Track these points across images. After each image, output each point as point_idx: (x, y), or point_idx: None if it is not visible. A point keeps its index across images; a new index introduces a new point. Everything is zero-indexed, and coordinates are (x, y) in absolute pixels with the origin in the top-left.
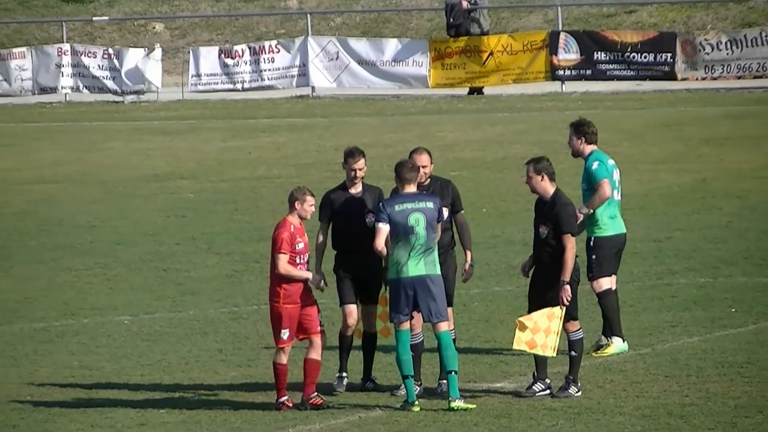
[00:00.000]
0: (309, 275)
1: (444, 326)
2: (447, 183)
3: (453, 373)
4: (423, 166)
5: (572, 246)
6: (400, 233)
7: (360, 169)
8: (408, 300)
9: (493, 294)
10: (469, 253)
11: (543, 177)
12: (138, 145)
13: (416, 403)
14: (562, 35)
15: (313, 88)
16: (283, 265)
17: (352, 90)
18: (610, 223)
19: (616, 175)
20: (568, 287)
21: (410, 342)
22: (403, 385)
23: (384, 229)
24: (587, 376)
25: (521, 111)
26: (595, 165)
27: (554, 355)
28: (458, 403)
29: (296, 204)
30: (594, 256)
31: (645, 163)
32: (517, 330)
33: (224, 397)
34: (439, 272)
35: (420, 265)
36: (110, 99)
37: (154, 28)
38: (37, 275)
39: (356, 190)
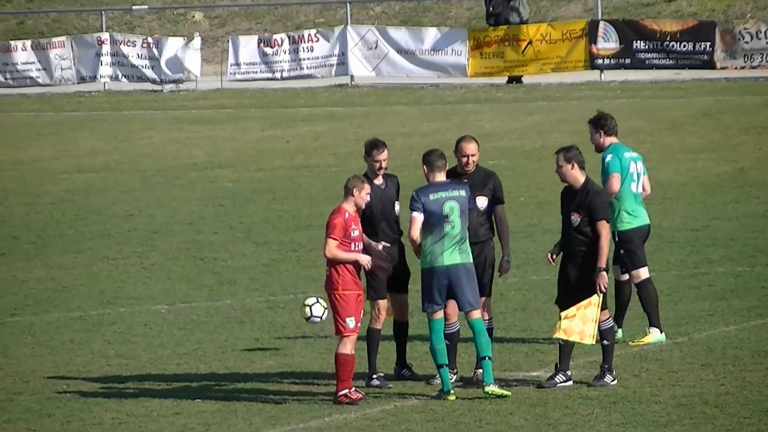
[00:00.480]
0: (359, 257)
1: (477, 314)
2: (491, 174)
3: (487, 359)
4: (471, 155)
5: (607, 233)
6: (435, 222)
7: (384, 160)
8: (442, 289)
9: (530, 283)
10: (505, 248)
11: (573, 165)
12: (176, 134)
13: (452, 392)
14: (602, 24)
15: (351, 77)
16: (331, 248)
17: (390, 79)
18: (631, 217)
19: (635, 168)
20: (605, 274)
21: (446, 331)
22: (438, 375)
23: (419, 218)
24: (623, 365)
25: (560, 100)
26: (608, 158)
27: (593, 342)
28: (492, 388)
29: (354, 191)
30: (622, 251)
31: (683, 152)
32: (558, 320)
33: (260, 386)
34: (471, 260)
35: (455, 254)
36: (149, 88)
37: (193, 17)
38: (74, 264)
39: (379, 181)
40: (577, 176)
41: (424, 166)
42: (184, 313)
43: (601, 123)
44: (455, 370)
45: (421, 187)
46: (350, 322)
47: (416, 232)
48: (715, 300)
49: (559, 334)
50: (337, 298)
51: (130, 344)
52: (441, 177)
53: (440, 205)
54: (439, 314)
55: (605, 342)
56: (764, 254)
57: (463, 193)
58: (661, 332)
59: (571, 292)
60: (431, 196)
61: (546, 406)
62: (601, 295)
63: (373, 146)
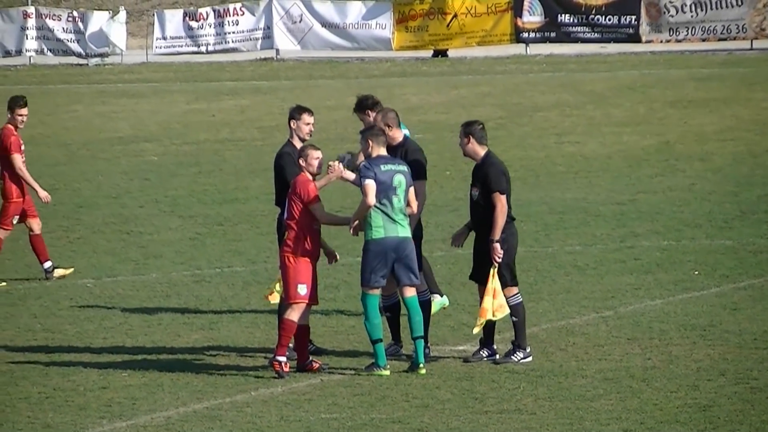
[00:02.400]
0: (350, 219)
1: (413, 291)
2: (414, 150)
3: (420, 338)
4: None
5: (502, 204)
6: (384, 194)
7: (313, 125)
8: (387, 262)
9: (456, 257)
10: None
11: (470, 140)
12: (102, 108)
13: (387, 366)
14: None
15: (277, 50)
16: (324, 214)
17: (316, 53)
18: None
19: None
20: (497, 245)
21: (385, 303)
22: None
23: (373, 185)
24: (549, 339)
25: (485, 74)
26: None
27: (494, 317)
28: (426, 371)
29: (301, 160)
30: None
31: (609, 126)
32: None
33: (186, 360)
34: (411, 236)
35: (403, 227)
36: (74, 62)
37: None
38: None
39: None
40: (476, 150)
41: (369, 141)
42: (110, 287)
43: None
44: (400, 344)
45: (370, 158)
46: (301, 289)
47: (373, 198)
48: (641, 274)
49: (478, 325)
50: (291, 261)
51: (56, 318)
52: (383, 152)
53: (390, 176)
54: (378, 290)
55: (514, 318)
56: (690, 228)
57: (406, 168)
58: (442, 296)
59: (480, 266)
60: (382, 167)
61: (472, 380)
62: (496, 267)
63: (303, 109)
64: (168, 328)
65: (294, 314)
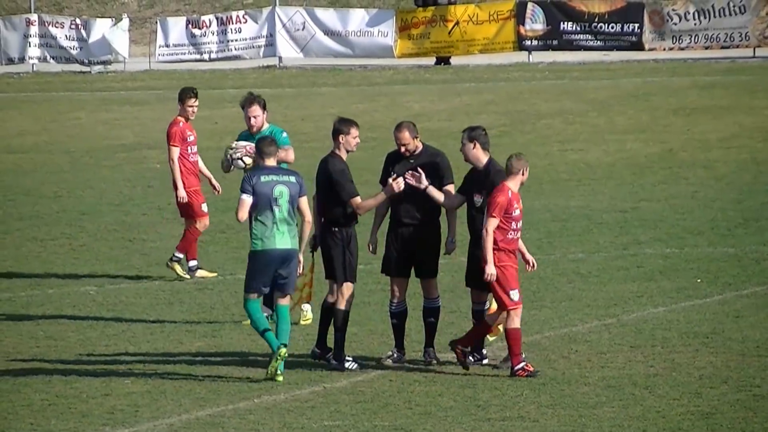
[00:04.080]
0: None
1: (287, 300)
2: (436, 155)
3: (284, 346)
4: (404, 144)
5: None
6: (264, 205)
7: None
8: (268, 272)
9: (459, 264)
10: (452, 228)
11: (475, 145)
12: (105, 115)
13: (279, 347)
14: (529, 5)
15: (280, 58)
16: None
17: (318, 60)
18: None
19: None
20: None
21: (393, 309)
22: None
23: (247, 200)
24: (552, 347)
25: (488, 81)
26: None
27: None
28: (282, 377)
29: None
30: None
31: (612, 133)
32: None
33: (189, 367)
34: (297, 247)
35: (286, 239)
36: (77, 69)
37: None
38: (3, 245)
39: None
40: (479, 156)
41: (255, 152)
42: (112, 295)
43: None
44: (402, 351)
45: (251, 170)
46: (514, 294)
47: (244, 214)
48: (644, 281)
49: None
50: (501, 272)
51: (59, 325)
52: (271, 162)
53: (271, 187)
54: (256, 295)
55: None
56: (693, 235)
57: (293, 179)
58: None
59: (477, 273)
60: (262, 178)
61: (475, 387)
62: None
63: (350, 123)
64: (170, 336)
65: (515, 321)
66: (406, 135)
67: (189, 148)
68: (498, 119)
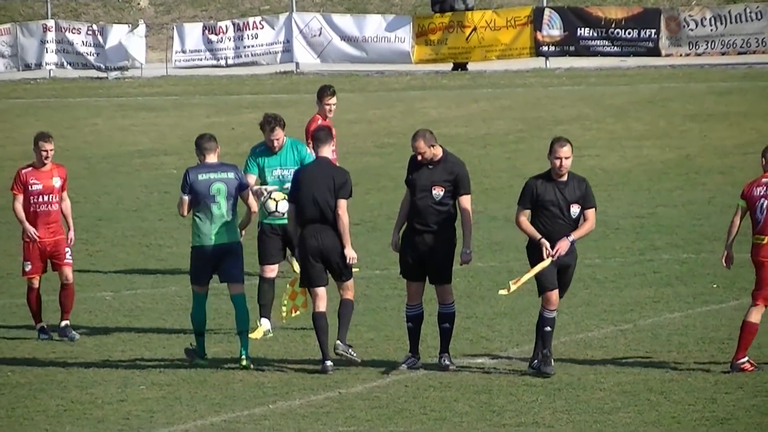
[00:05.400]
0: None
1: (240, 288)
2: (455, 164)
3: (245, 332)
4: (420, 153)
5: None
6: (202, 202)
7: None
8: (207, 267)
9: (474, 270)
10: (466, 239)
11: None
12: (122, 121)
13: (206, 356)
14: (547, 11)
15: (296, 64)
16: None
17: (335, 66)
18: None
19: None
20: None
21: (409, 313)
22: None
23: (186, 199)
24: (568, 352)
25: (505, 87)
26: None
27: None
28: (247, 361)
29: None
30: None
31: (629, 139)
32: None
33: (205, 373)
34: (239, 239)
35: (223, 234)
36: (94, 75)
37: (138, 3)
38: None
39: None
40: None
41: (196, 149)
42: (129, 300)
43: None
44: (417, 356)
45: (191, 167)
46: None
47: (184, 212)
48: (661, 287)
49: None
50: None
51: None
52: (212, 158)
53: (208, 185)
54: (201, 289)
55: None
56: (709, 241)
57: (231, 175)
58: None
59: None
60: (200, 176)
61: (491, 393)
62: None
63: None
64: (186, 342)
65: (756, 316)
66: (421, 144)
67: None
68: (515, 125)
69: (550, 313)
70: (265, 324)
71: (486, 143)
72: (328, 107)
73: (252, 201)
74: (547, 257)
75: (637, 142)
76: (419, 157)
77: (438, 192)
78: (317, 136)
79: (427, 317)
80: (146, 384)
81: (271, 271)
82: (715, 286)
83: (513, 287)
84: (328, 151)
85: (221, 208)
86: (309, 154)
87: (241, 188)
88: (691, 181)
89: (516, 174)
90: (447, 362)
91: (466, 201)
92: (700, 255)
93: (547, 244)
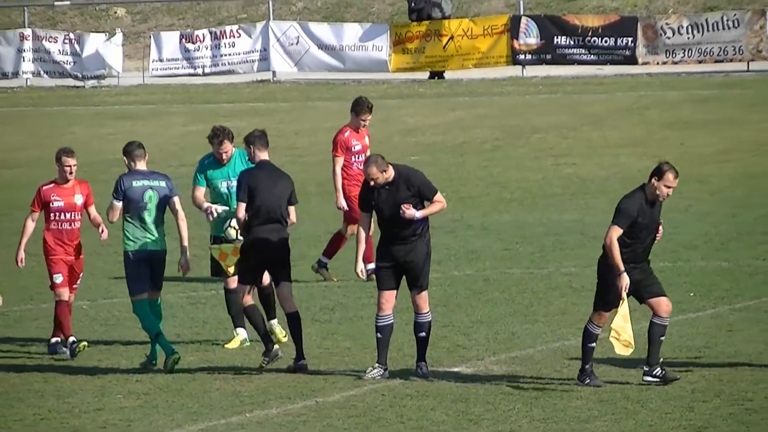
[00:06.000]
0: None
1: (157, 295)
2: (408, 175)
3: (160, 335)
4: (373, 179)
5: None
6: (135, 209)
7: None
8: (146, 272)
9: (451, 278)
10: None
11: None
12: (99, 129)
13: (155, 362)
14: (523, 19)
15: (274, 72)
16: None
17: (312, 74)
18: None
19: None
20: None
21: (379, 323)
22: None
23: (118, 206)
24: (545, 361)
25: (482, 95)
26: None
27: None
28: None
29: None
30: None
31: (606, 147)
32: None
33: (182, 381)
34: (166, 248)
35: (156, 241)
36: (71, 84)
37: (115, 12)
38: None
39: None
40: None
41: (124, 157)
42: (106, 309)
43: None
44: (384, 366)
45: (125, 174)
46: None
47: (114, 217)
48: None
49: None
50: None
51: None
52: (141, 166)
53: (141, 192)
54: (144, 296)
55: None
56: (686, 249)
57: (163, 183)
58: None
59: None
60: (134, 183)
61: (468, 401)
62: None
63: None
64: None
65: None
66: (374, 170)
67: (353, 156)
68: (492, 133)
69: (663, 320)
70: (241, 333)
71: (463, 151)
72: (363, 122)
73: (180, 210)
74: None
75: (613, 151)
76: (372, 183)
77: (407, 210)
78: (257, 141)
79: (404, 326)
80: (123, 393)
81: (235, 282)
82: (692, 294)
83: (623, 341)
84: (267, 156)
85: (152, 215)
86: None
87: (169, 197)
88: None
89: (493, 182)
90: (424, 370)
91: (437, 198)
92: (677, 263)
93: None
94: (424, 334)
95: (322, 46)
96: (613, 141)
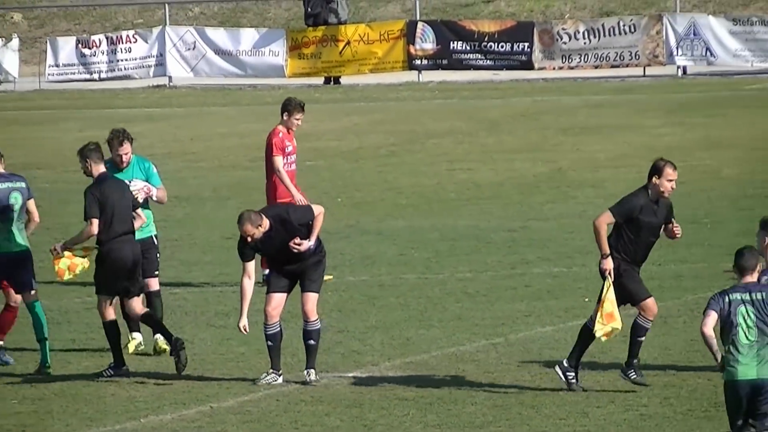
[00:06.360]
0: None
1: (35, 296)
2: (287, 215)
3: (45, 340)
4: (250, 236)
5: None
6: (2, 210)
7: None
8: (8, 272)
9: (346, 284)
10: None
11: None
12: None
13: (48, 366)
14: (420, 25)
15: (170, 77)
16: None
17: (209, 80)
18: None
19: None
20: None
21: (267, 332)
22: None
23: None
24: (439, 366)
25: (378, 101)
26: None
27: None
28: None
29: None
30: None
31: (501, 153)
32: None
33: (77, 386)
34: (29, 247)
35: (20, 241)
36: None
37: (11, 17)
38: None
39: None
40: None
41: None
42: None
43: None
44: (280, 371)
45: None
46: None
47: None
48: (532, 301)
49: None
50: None
51: None
52: (1, 168)
53: (7, 194)
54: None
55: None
56: (581, 255)
57: (23, 185)
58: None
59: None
60: (0, 186)
61: (362, 407)
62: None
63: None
64: (59, 355)
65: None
66: (248, 228)
67: (286, 158)
68: (387, 138)
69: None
70: (137, 337)
71: (358, 157)
72: (297, 121)
73: (35, 212)
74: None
75: (509, 156)
76: (250, 240)
77: (300, 246)
78: (92, 155)
79: (299, 331)
80: (18, 398)
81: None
82: (587, 299)
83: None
84: (103, 167)
85: (17, 215)
86: (155, 172)
87: (28, 198)
88: (562, 194)
89: (388, 187)
90: (313, 378)
91: (316, 212)
92: (572, 269)
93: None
94: (313, 341)
95: (219, 52)
96: (509, 146)
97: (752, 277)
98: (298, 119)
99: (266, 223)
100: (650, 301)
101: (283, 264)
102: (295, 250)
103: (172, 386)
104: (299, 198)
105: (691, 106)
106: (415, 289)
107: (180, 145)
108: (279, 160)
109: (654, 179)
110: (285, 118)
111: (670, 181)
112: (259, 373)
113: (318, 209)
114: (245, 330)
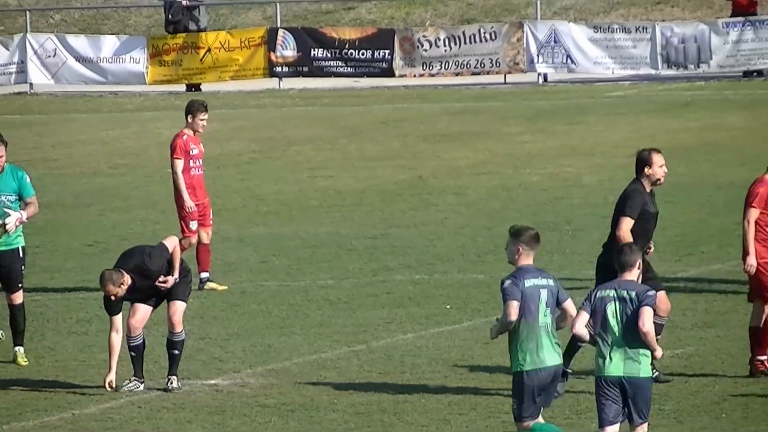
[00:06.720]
0: None
1: None
2: (141, 264)
3: None
4: (114, 294)
5: None
6: None
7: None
8: None
9: (207, 291)
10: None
11: None
12: None
13: None
14: (281, 32)
15: (31, 84)
16: None
17: (70, 87)
18: None
19: None
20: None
21: (131, 343)
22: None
23: None
24: (301, 373)
25: (239, 108)
26: None
27: None
28: None
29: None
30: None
31: (362, 160)
32: None
33: None
34: None
35: None
36: None
37: None
38: None
39: None
40: None
41: None
42: None
43: None
44: (142, 379)
45: None
46: None
47: None
48: (394, 308)
49: None
50: None
51: None
52: None
53: None
54: None
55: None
56: (442, 262)
57: None
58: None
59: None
60: None
61: (224, 414)
62: None
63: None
64: None
65: None
66: (111, 288)
67: (192, 161)
68: (248, 146)
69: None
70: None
71: (219, 164)
72: (203, 121)
73: None
74: None
75: (370, 163)
76: (114, 299)
77: (167, 282)
78: None
79: (161, 338)
80: None
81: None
82: (448, 307)
83: None
84: None
85: None
86: (29, 182)
87: None
88: (424, 201)
89: (249, 195)
90: (175, 385)
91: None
92: (433, 276)
93: None
94: (176, 351)
95: (80, 59)
96: (370, 153)
97: (631, 274)
98: (203, 120)
99: (127, 279)
100: (660, 295)
101: (153, 296)
102: (163, 289)
103: (34, 393)
104: (190, 205)
105: (552, 114)
106: (276, 296)
107: (41, 152)
108: (178, 164)
109: (645, 170)
110: (189, 120)
111: (662, 166)
112: (122, 381)
113: (172, 243)
114: (111, 387)
